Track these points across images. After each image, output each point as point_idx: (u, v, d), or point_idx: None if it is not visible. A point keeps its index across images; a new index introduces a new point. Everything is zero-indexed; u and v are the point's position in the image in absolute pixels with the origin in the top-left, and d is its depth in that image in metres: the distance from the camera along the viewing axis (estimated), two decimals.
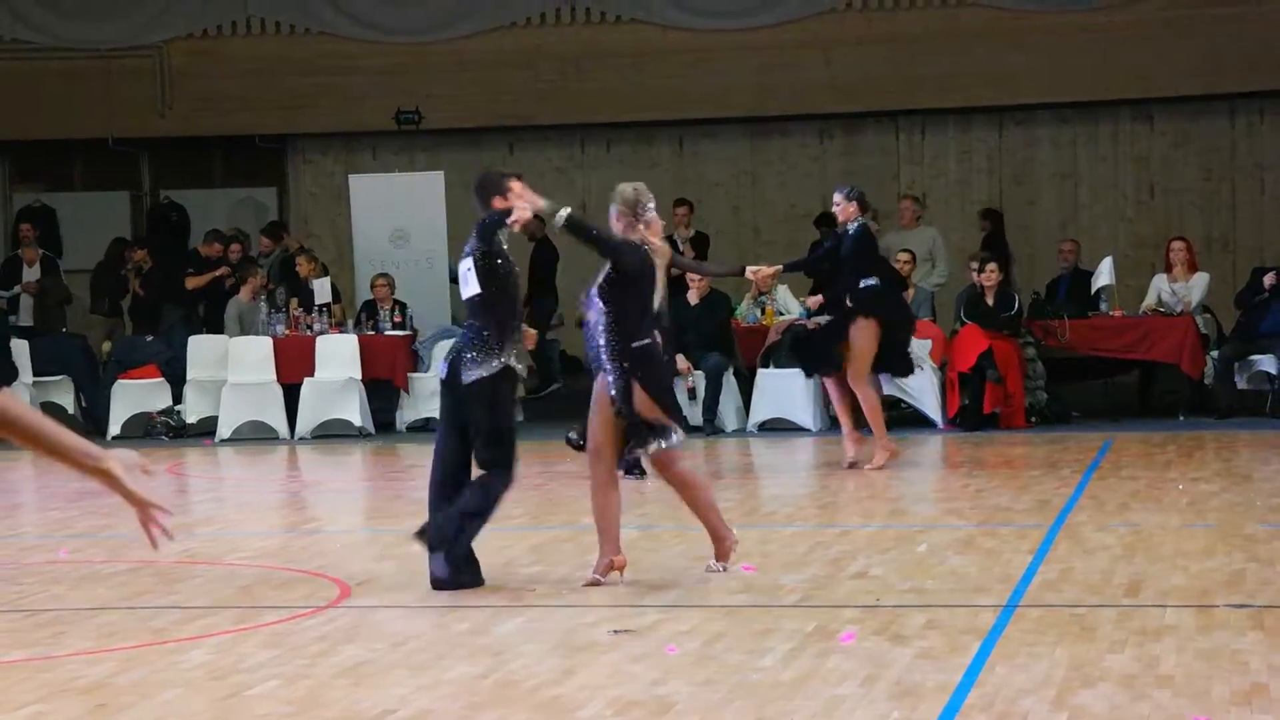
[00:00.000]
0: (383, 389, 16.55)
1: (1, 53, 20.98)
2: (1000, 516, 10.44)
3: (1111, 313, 16.26)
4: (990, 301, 15.65)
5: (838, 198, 12.84)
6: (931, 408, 15.55)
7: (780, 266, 13.59)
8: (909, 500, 11.54)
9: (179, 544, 10.26)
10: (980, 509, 10.80)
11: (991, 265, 15.74)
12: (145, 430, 16.65)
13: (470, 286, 8.48)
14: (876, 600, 7.87)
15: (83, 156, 22.10)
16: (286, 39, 20.91)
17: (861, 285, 12.76)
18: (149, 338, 17.57)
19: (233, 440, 16.22)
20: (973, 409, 15.27)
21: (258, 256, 18.87)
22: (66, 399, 17.37)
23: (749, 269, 13.18)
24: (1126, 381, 16.76)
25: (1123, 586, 8.09)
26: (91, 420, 17.19)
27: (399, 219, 17.99)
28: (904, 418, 15.69)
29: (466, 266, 8.53)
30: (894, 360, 13.09)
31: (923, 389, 15.54)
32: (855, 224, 12.71)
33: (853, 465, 12.68)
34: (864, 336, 12.76)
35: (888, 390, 14.53)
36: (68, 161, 22.23)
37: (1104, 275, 16.39)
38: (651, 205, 8.82)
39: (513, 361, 8.45)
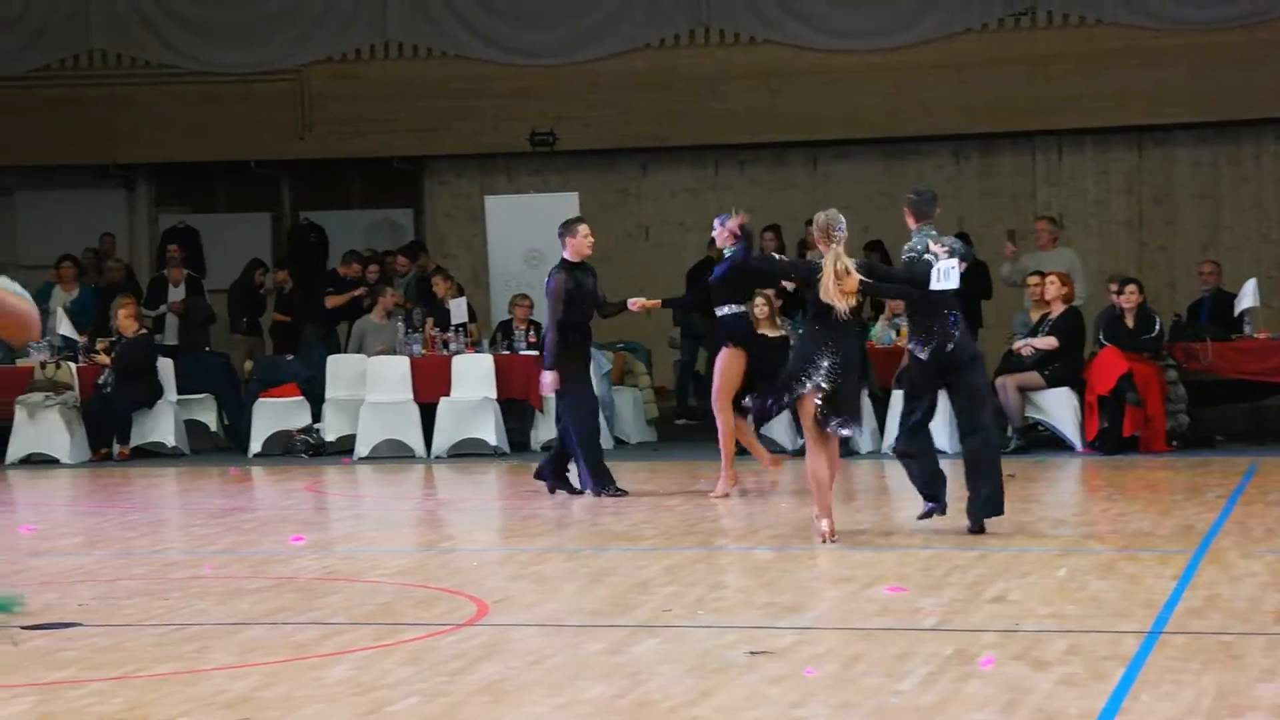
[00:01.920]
0: (517, 408, 16.66)
1: (148, 77, 21.41)
2: (1142, 541, 10.28)
3: (1256, 335, 15.98)
4: (1130, 323, 15.45)
5: (715, 224, 12.86)
6: (1070, 430, 15.37)
7: (659, 301, 13.99)
8: (1048, 524, 11.40)
9: (320, 560, 10.40)
10: (1121, 533, 10.65)
11: (1131, 286, 15.56)
12: (285, 448, 16.89)
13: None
14: (1016, 625, 7.78)
15: (225, 179, 22.51)
16: (423, 62, 21.14)
17: (720, 313, 12.83)
18: (289, 357, 17.83)
19: (370, 458, 16.40)
20: (1112, 432, 15.07)
21: (394, 277, 19.09)
22: (209, 417, 17.67)
23: (630, 301, 13.26)
24: (1272, 405, 16.46)
25: (1272, 613, 7.94)
26: (234, 437, 17.46)
27: (534, 239, 18.13)
28: (1042, 440, 15.53)
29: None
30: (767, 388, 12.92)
31: (1061, 412, 15.37)
32: (730, 250, 12.69)
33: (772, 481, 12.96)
34: (725, 364, 12.80)
35: (1028, 412, 14.41)
36: (211, 184, 22.65)
37: (1248, 297, 16.12)
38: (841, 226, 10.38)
39: None
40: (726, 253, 12.77)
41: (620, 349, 17.80)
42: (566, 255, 12.99)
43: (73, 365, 17.36)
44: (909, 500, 13.06)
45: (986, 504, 10.61)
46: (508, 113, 20.65)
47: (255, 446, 16.85)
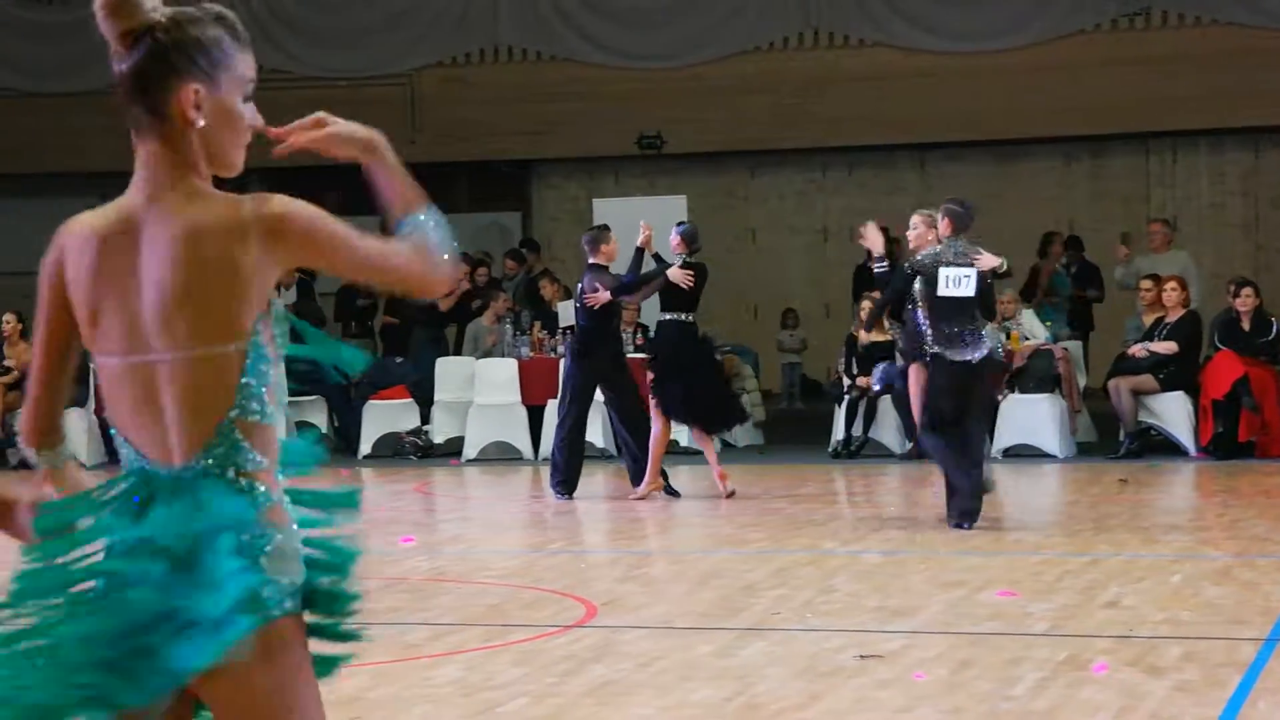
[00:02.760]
0: None
1: (260, 83, 21.54)
2: (1258, 547, 10.12)
3: None
4: (1246, 326, 15.22)
5: (673, 231, 13.14)
6: (1184, 435, 15.16)
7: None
8: (1161, 529, 11.25)
9: (429, 561, 10.46)
10: (1237, 539, 10.49)
11: (1247, 289, 15.32)
12: (394, 450, 17.01)
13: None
14: (1130, 631, 7.68)
15: (336, 182, 22.65)
16: (532, 65, 21.24)
17: (660, 320, 13.07)
18: (398, 359, 17.96)
19: (478, 460, 16.48)
20: (1227, 437, 14.85)
21: (502, 280, 19.17)
22: (320, 419, 17.82)
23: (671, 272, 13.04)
24: None
25: None
26: (344, 439, 17.62)
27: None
28: (1155, 445, 15.33)
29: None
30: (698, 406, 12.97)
31: (1175, 416, 15.17)
32: (679, 258, 12.93)
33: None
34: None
35: (1141, 416, 14.27)
36: (323, 187, 22.76)
37: None
38: None
39: None
40: (678, 261, 12.96)
41: (728, 352, 17.76)
42: (598, 260, 13.12)
43: None
44: (1017, 505, 12.96)
45: (963, 514, 10.92)
46: (616, 116, 20.69)
47: (365, 448, 16.99)
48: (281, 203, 3.12)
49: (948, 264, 10.96)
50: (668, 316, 12.98)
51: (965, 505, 10.88)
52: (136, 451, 3.04)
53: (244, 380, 2.99)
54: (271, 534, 2.98)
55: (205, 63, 3.08)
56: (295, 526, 3.06)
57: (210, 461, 2.98)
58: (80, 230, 3.13)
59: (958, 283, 10.88)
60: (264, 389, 3.02)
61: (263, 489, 3.01)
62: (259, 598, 2.93)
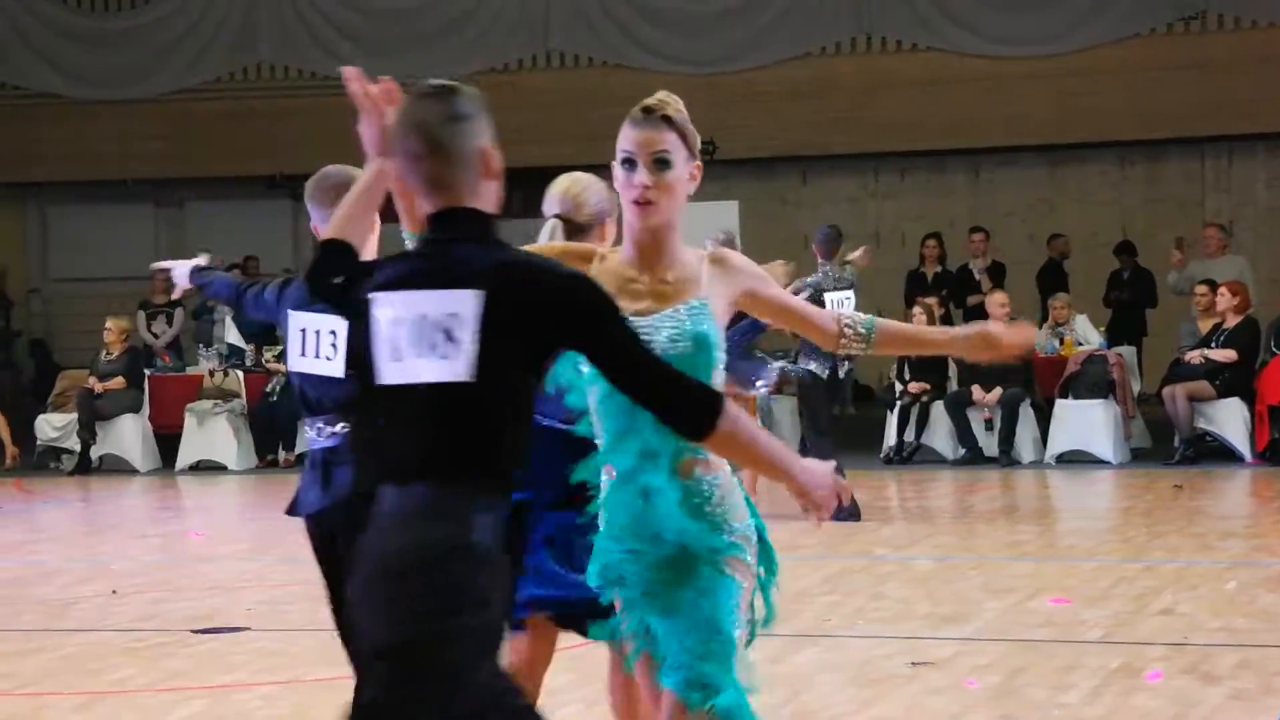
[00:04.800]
0: None
1: (312, 90, 21.75)
2: None
3: None
4: None
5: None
6: (1240, 441, 15.04)
7: None
8: (1216, 535, 11.17)
9: None
10: None
11: None
12: None
13: None
14: (1184, 638, 7.63)
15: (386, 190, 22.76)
16: (584, 72, 21.28)
17: None
18: None
19: None
20: None
21: None
22: None
23: None
24: None
25: None
26: None
27: (695, 247, 18.11)
28: (1210, 451, 15.22)
29: None
30: None
31: (1231, 422, 15.06)
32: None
33: None
34: None
35: (1197, 422, 14.16)
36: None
37: None
38: None
39: None
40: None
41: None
42: None
43: (240, 373, 17.68)
44: (1072, 511, 12.90)
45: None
46: None
47: None
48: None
49: (830, 290, 11.92)
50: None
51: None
52: None
53: None
54: None
55: None
56: None
57: None
58: None
59: (840, 305, 11.57)
60: None
61: None
62: None
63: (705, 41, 20.82)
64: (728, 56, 20.77)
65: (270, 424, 17.38)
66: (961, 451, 15.47)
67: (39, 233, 23.20)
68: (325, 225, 4.51)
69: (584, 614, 4.62)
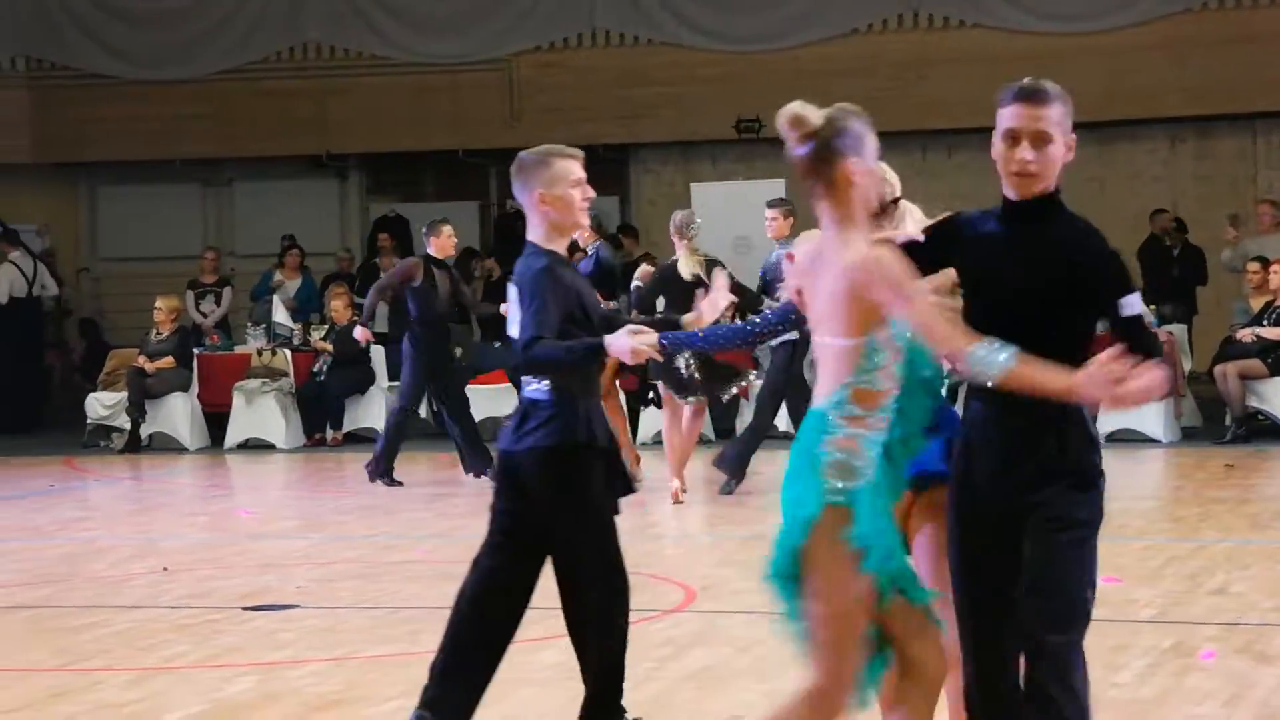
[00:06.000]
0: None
1: (360, 69, 21.78)
2: None
3: None
4: None
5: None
6: None
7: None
8: (1269, 515, 11.08)
9: None
10: None
11: None
12: (494, 434, 17.02)
13: None
14: (1238, 618, 7.57)
15: (434, 168, 22.82)
16: (630, 50, 21.22)
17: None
18: (497, 344, 18.02)
19: None
20: None
21: None
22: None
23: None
24: None
25: None
26: (443, 424, 17.68)
27: (741, 227, 18.10)
28: (1263, 429, 15.11)
29: None
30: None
31: None
32: (593, 246, 13.04)
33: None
34: None
35: (1249, 401, 14.07)
36: (420, 173, 22.97)
37: None
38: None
39: None
40: (589, 249, 13.09)
41: None
42: (431, 251, 14.00)
43: (288, 352, 17.74)
44: (1122, 490, 12.81)
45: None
46: (713, 100, 20.62)
47: None
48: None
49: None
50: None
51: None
52: None
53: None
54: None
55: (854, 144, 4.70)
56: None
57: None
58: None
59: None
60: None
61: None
62: None
63: (752, 19, 20.73)
64: (774, 34, 20.68)
65: (318, 402, 17.44)
66: None
67: (89, 213, 23.31)
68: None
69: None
